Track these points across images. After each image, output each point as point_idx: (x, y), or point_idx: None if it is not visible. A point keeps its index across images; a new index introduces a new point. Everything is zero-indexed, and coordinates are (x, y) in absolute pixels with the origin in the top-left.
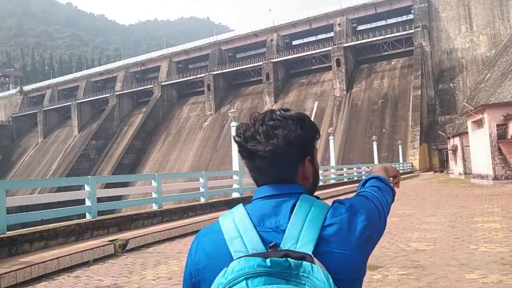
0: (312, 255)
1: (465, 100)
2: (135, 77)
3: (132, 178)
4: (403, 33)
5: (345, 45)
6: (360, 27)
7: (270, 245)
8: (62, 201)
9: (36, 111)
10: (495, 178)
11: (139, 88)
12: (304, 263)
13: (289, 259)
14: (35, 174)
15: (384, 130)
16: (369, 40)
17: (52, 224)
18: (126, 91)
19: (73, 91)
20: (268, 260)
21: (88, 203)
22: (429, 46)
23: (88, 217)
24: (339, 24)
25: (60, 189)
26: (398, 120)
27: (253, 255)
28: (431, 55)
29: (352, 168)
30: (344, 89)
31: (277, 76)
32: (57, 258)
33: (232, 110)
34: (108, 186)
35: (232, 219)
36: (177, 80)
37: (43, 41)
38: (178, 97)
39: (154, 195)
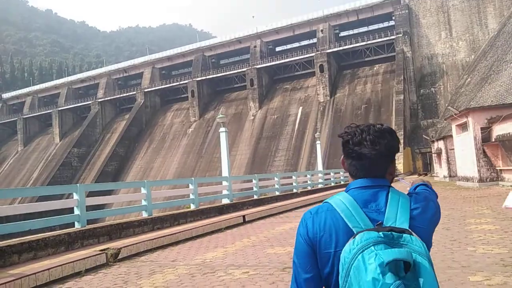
0: (409, 229)
1: (448, 104)
2: (117, 84)
3: (122, 186)
4: (385, 39)
5: (328, 51)
6: (343, 33)
7: (377, 223)
8: (43, 211)
9: (16, 119)
10: (481, 180)
11: (121, 95)
12: (404, 235)
13: (393, 232)
14: (16, 183)
15: None
16: (351, 46)
17: (41, 234)
18: (108, 98)
19: (54, 99)
20: (381, 233)
21: (77, 211)
22: (411, 52)
23: (78, 226)
24: (321, 31)
25: (41, 198)
26: None
27: (370, 229)
28: (413, 60)
29: (338, 173)
30: (327, 95)
31: (261, 82)
32: (48, 269)
33: (220, 115)
34: (91, 194)
35: (342, 202)
36: (160, 87)
37: (22, 48)
38: (162, 104)
39: (144, 203)
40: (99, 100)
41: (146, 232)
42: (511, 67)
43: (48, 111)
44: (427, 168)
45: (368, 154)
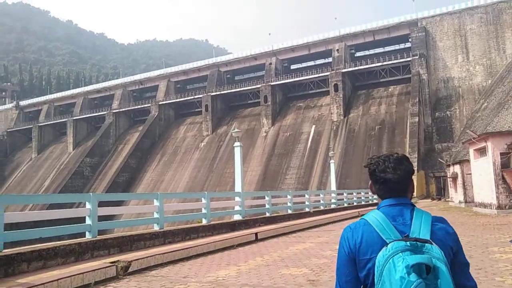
0: (430, 240)
1: (464, 128)
2: (132, 96)
3: (135, 197)
4: (401, 60)
5: (343, 70)
6: (358, 54)
7: (405, 235)
8: (52, 219)
9: (31, 126)
10: (499, 207)
11: (136, 107)
12: (427, 244)
13: (417, 242)
14: (28, 190)
15: None
16: (367, 66)
17: (52, 243)
18: (123, 109)
19: (69, 108)
20: (408, 242)
21: (88, 221)
22: (426, 74)
23: (89, 236)
24: (337, 50)
25: (52, 206)
26: (395, 147)
27: (399, 239)
28: (428, 83)
29: (352, 193)
30: (341, 114)
31: (275, 99)
32: (57, 280)
33: (235, 130)
34: (102, 204)
35: (376, 218)
36: (175, 100)
37: (41, 57)
38: (175, 117)
39: (156, 215)
40: (114, 111)
41: (157, 245)
42: None
43: (63, 120)
44: (441, 192)
45: (392, 178)
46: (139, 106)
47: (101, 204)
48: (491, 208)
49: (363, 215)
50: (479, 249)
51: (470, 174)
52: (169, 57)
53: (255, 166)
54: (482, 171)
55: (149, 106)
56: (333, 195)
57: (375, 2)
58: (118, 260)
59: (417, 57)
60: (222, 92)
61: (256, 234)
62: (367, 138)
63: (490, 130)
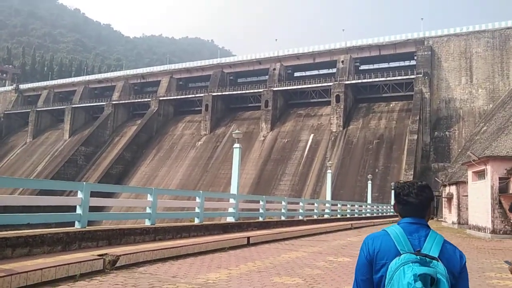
0: (438, 258)
1: (461, 150)
2: (133, 89)
3: (128, 190)
4: (404, 77)
5: (346, 82)
6: (363, 67)
7: (417, 249)
8: (41, 206)
9: (29, 110)
10: (493, 231)
11: (136, 100)
12: (434, 261)
13: (427, 258)
14: (19, 174)
15: (377, 171)
16: (370, 80)
17: (39, 230)
18: (123, 101)
19: (69, 95)
20: (418, 256)
21: (79, 211)
22: (429, 93)
23: (78, 226)
24: (342, 61)
25: (42, 193)
26: (391, 162)
27: (411, 252)
28: (430, 102)
29: (346, 205)
30: (340, 125)
31: (276, 104)
32: (41, 269)
33: (236, 131)
34: (93, 195)
35: (395, 231)
36: (175, 97)
37: (46, 43)
38: (175, 114)
39: (148, 210)
40: (114, 102)
41: (147, 241)
42: None
43: (62, 107)
44: (434, 212)
45: (414, 202)
46: (139, 100)
47: (93, 194)
48: (485, 232)
49: (356, 227)
50: (475, 273)
51: (466, 195)
52: (174, 54)
53: (250, 169)
54: (479, 194)
55: (149, 101)
56: (327, 205)
57: (383, 15)
58: (106, 254)
59: (421, 75)
60: (223, 93)
61: (248, 238)
62: (365, 151)
63: (488, 154)
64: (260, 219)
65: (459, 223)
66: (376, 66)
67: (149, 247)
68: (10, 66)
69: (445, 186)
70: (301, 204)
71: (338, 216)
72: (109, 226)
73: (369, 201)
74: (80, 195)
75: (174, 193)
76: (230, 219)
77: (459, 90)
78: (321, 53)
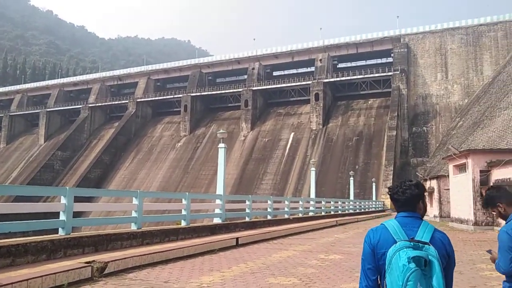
0: (429, 242)
1: (438, 144)
2: (110, 91)
3: (113, 194)
4: (382, 74)
5: (325, 80)
6: (341, 65)
7: (411, 237)
8: (20, 213)
9: (2, 115)
10: (476, 223)
11: (113, 102)
12: (426, 245)
13: (419, 243)
14: None
15: (357, 167)
16: (348, 78)
17: (22, 239)
18: (99, 104)
19: (43, 99)
20: (412, 242)
21: (63, 217)
22: (406, 90)
23: (62, 233)
24: (320, 60)
25: (18, 199)
26: (371, 158)
27: (405, 240)
28: (407, 98)
29: (329, 202)
30: (320, 123)
31: (256, 104)
32: (27, 279)
33: (221, 131)
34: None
35: (392, 224)
36: (153, 98)
37: (17, 45)
38: (153, 115)
39: (134, 214)
40: (90, 105)
41: (134, 246)
42: (505, 114)
43: (36, 111)
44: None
45: (400, 199)
46: (116, 102)
47: (75, 199)
48: (468, 224)
49: (341, 224)
50: (467, 265)
51: (447, 189)
52: (150, 55)
53: (232, 169)
54: (461, 187)
55: (127, 103)
56: (311, 202)
57: (360, 14)
58: (93, 260)
59: (398, 72)
60: (202, 93)
61: (237, 239)
62: (345, 148)
63: (465, 148)
64: (247, 219)
65: (440, 216)
66: (353, 64)
67: (137, 252)
68: None
69: (425, 180)
70: (286, 202)
71: (323, 213)
72: (95, 232)
73: (351, 197)
74: (63, 200)
75: (160, 196)
76: (217, 220)
77: (435, 86)
78: (300, 52)
